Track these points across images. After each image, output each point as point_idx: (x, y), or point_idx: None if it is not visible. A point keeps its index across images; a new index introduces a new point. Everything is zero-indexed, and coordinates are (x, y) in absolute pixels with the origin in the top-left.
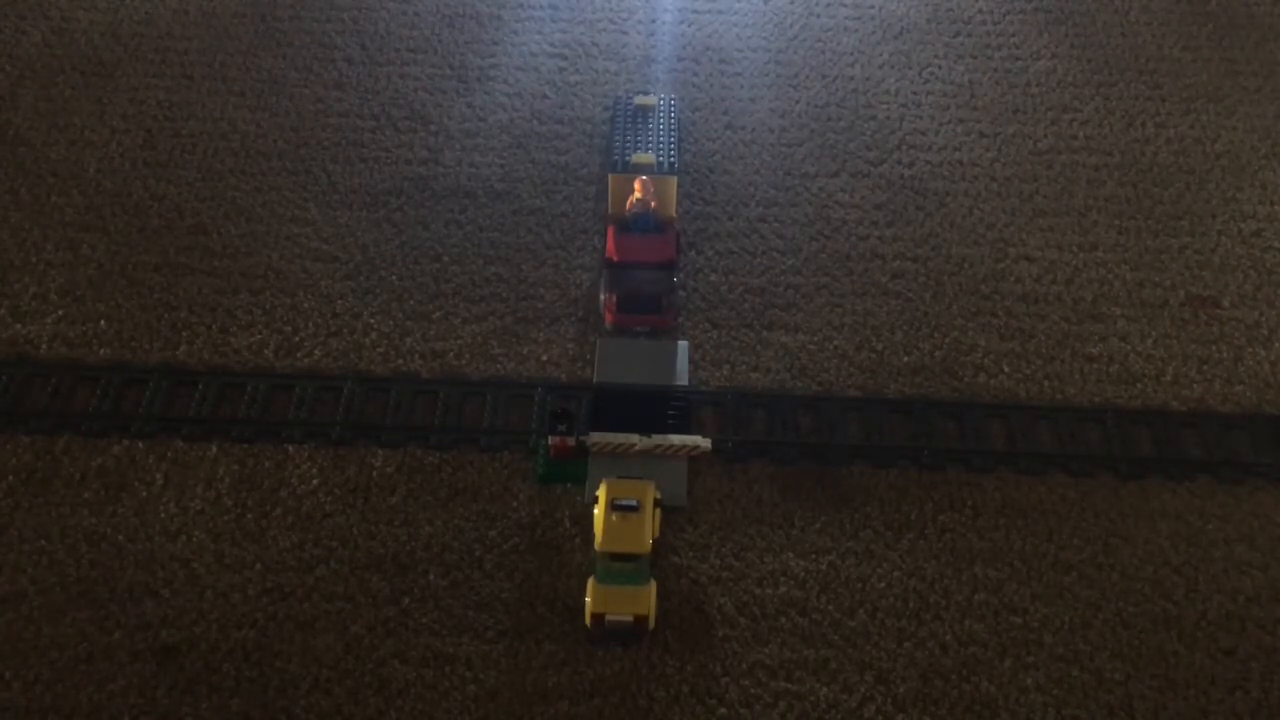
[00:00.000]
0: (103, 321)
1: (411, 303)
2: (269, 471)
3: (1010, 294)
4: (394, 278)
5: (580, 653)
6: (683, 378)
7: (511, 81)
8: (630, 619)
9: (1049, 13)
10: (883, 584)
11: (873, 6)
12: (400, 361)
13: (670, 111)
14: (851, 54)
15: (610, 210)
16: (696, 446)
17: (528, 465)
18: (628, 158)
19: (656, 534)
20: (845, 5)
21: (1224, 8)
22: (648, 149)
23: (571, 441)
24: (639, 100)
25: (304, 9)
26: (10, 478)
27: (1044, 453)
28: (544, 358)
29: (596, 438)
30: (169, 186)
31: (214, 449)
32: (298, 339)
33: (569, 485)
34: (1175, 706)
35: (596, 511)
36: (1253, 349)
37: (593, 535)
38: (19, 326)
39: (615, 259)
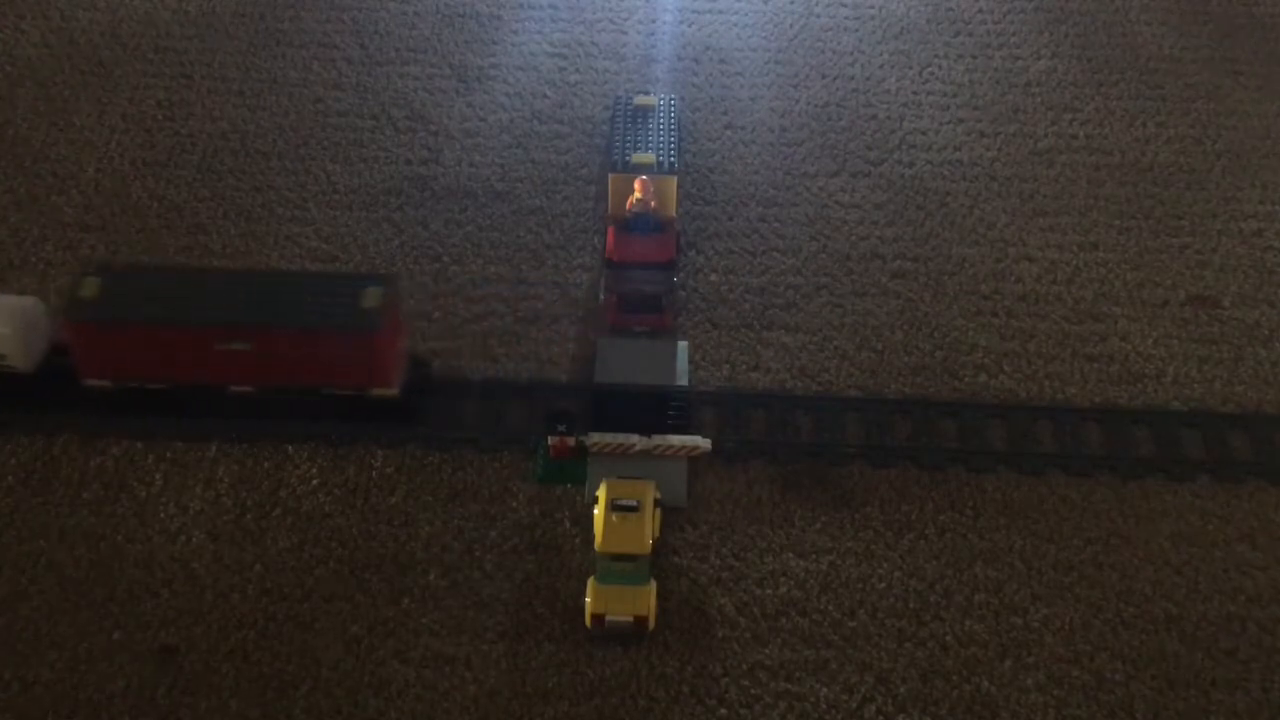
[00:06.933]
0: None
1: (411, 303)
2: (269, 471)
3: (1010, 294)
4: None
5: (580, 653)
6: (683, 378)
7: (511, 81)
8: (630, 619)
9: (1049, 13)
10: (883, 584)
11: (873, 6)
12: None
13: (670, 111)
14: (851, 54)
15: (610, 210)
16: (696, 447)
17: (527, 465)
18: (628, 158)
19: (656, 534)
20: (845, 5)
21: (1224, 8)
22: (648, 149)
23: (571, 441)
24: (639, 100)
25: (304, 9)
26: (10, 478)
27: (1044, 453)
28: (544, 358)
29: (596, 438)
30: (169, 186)
31: (213, 449)
32: None
33: (569, 485)
34: (1175, 706)
35: (596, 512)
36: (1253, 349)
37: (593, 535)
38: None
39: (615, 259)
